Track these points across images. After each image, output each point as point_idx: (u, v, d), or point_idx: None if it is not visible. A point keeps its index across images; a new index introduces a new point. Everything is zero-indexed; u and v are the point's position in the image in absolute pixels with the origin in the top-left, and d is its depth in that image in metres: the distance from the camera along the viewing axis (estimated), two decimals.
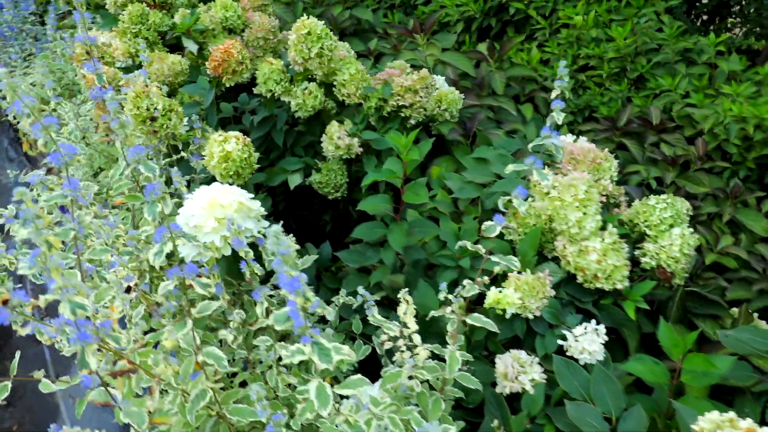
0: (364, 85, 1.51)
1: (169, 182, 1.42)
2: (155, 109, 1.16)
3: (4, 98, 2.48)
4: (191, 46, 1.67)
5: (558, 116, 0.94)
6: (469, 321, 0.95)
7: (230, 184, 1.24)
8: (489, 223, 0.94)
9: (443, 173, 1.54)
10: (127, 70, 1.71)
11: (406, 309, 0.94)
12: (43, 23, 2.89)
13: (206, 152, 1.20)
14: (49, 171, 1.94)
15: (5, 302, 0.58)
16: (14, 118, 2.18)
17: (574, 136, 1.54)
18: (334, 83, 1.53)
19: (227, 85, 1.48)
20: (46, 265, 0.55)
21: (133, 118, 1.26)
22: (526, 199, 0.91)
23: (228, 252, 0.92)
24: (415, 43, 2.39)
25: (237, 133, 1.21)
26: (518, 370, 1.09)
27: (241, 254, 0.85)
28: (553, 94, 0.94)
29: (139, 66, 1.69)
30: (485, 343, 1.24)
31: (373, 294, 1.36)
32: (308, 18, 1.42)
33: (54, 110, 2.10)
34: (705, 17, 3.00)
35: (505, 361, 1.10)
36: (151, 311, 0.96)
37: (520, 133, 1.98)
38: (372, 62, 2.19)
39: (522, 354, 1.11)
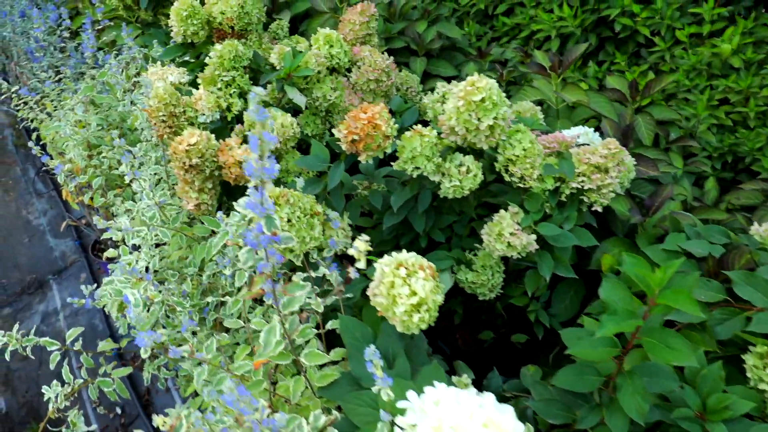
0: (539, 161, 1.15)
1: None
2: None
3: (36, 130, 2.10)
4: (297, 98, 1.30)
5: None
6: None
7: (411, 334, 0.89)
8: None
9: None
10: (212, 126, 1.34)
11: None
12: (71, 35, 2.49)
13: (381, 291, 0.85)
14: (115, 246, 1.58)
15: None
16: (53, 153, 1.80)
17: None
18: (496, 158, 1.18)
19: (362, 162, 1.13)
20: None
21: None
22: None
23: None
24: (519, 70, 2.02)
25: (420, 260, 0.86)
26: None
27: None
28: None
29: (232, 122, 1.33)
30: None
31: None
32: (480, 77, 1.06)
33: (102, 155, 1.73)
34: None
35: None
36: None
37: (679, 197, 1.64)
38: None
39: None
